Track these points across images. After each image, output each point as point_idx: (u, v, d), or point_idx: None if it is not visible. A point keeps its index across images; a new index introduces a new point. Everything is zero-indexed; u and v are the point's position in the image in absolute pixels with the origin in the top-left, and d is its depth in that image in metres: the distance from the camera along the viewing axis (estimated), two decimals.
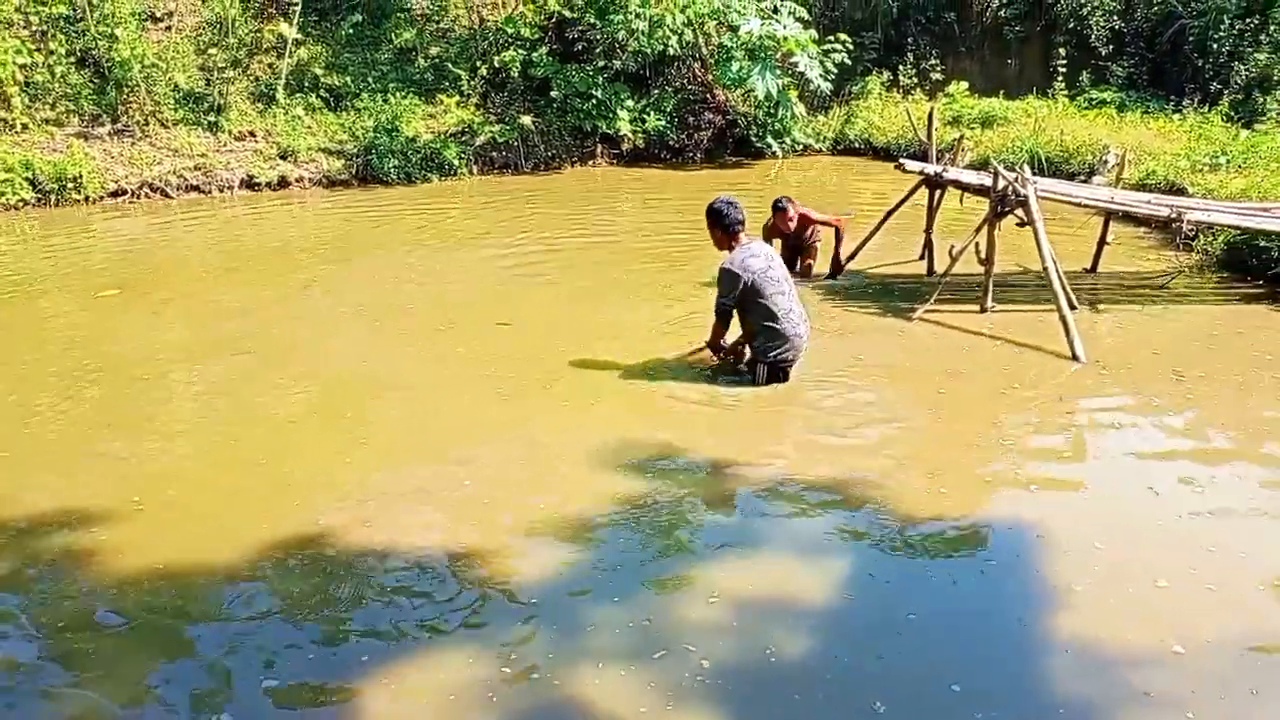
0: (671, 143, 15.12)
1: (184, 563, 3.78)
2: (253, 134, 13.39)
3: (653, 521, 4.12)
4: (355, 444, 4.91)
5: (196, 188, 12.60)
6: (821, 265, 8.17)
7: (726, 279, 5.53)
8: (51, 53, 12.63)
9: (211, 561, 3.79)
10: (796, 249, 8.12)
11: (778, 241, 7.83)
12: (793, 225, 7.84)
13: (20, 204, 11.49)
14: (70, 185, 11.74)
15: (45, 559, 3.86)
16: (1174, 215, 7.09)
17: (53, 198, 11.70)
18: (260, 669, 3.19)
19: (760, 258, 5.61)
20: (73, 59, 12.96)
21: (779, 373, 5.61)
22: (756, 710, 2.96)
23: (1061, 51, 15.30)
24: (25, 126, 12.23)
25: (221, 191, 12.66)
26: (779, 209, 7.87)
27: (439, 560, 3.83)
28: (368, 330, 6.85)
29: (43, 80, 12.56)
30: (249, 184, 12.85)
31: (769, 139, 14.75)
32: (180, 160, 12.66)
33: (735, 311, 5.62)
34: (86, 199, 11.85)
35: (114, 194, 12.14)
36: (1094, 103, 14.45)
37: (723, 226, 5.67)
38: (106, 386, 5.77)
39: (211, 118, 13.22)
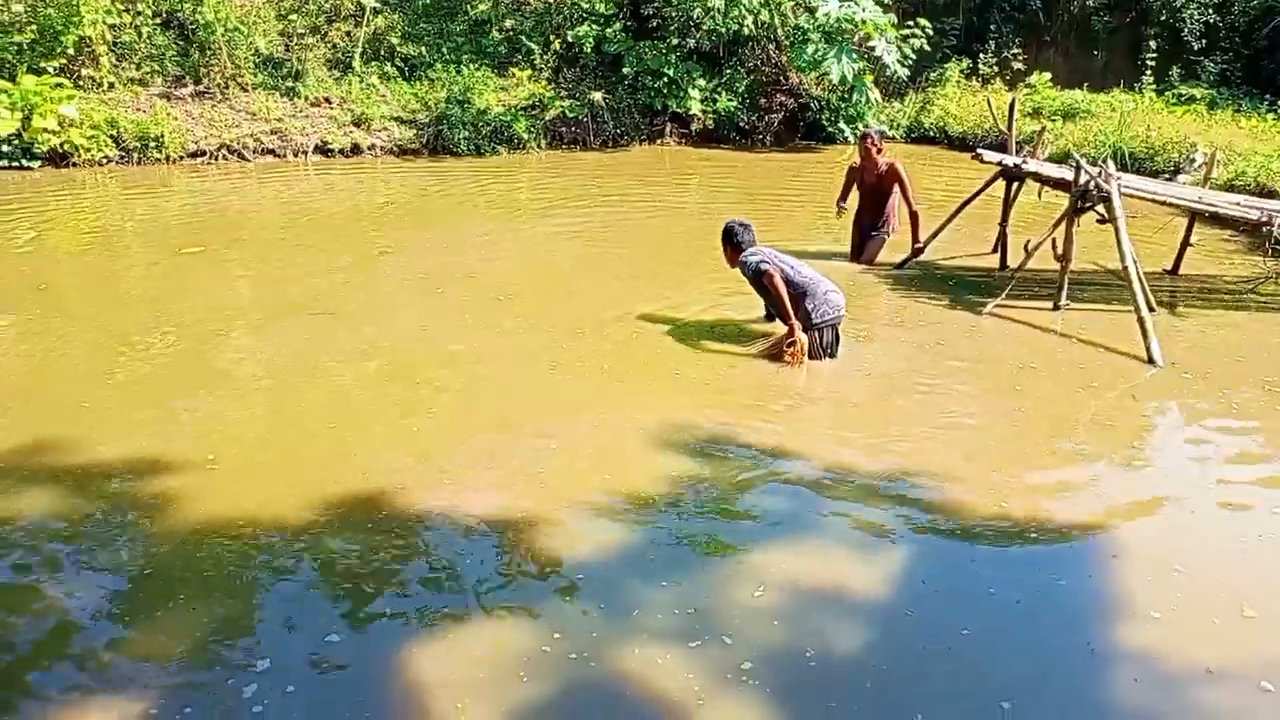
0: (742, 124, 14.98)
1: (251, 520, 3.86)
2: (328, 100, 13.58)
3: (706, 507, 4.09)
4: (419, 412, 4.97)
5: (272, 151, 12.84)
6: (888, 255, 8.04)
7: (749, 265, 5.92)
8: (139, 14, 12.94)
9: (276, 520, 3.86)
10: (873, 200, 8.01)
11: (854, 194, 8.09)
12: (877, 159, 7.85)
13: (104, 160, 11.83)
14: (152, 144, 12.05)
15: (120, 506, 3.98)
16: (1264, 219, 6.84)
17: (134, 156, 12.01)
18: (315, 626, 3.26)
19: (766, 249, 6.02)
20: (159, 20, 13.27)
21: (831, 338, 5.76)
22: (790, 714, 2.88)
23: (1152, 45, 14.80)
24: (112, 85, 12.56)
25: (296, 156, 12.88)
26: (866, 138, 7.93)
27: (492, 532, 3.86)
28: (434, 298, 6.92)
29: (130, 40, 12.88)
30: (322, 150, 13.06)
31: (841, 124, 14.53)
32: (257, 124, 12.90)
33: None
34: (166, 158, 12.15)
35: (193, 154, 12.42)
36: (1183, 99, 13.96)
37: (734, 244, 6.11)
38: (184, 342, 5.91)
39: (289, 83, 13.44)
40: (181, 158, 12.31)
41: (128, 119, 12.12)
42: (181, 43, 13.30)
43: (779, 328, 5.95)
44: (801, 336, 5.65)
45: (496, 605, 3.39)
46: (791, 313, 5.66)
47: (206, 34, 12.99)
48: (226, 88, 13.11)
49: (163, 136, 12.08)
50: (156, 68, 13.00)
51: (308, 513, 3.92)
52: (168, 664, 3.05)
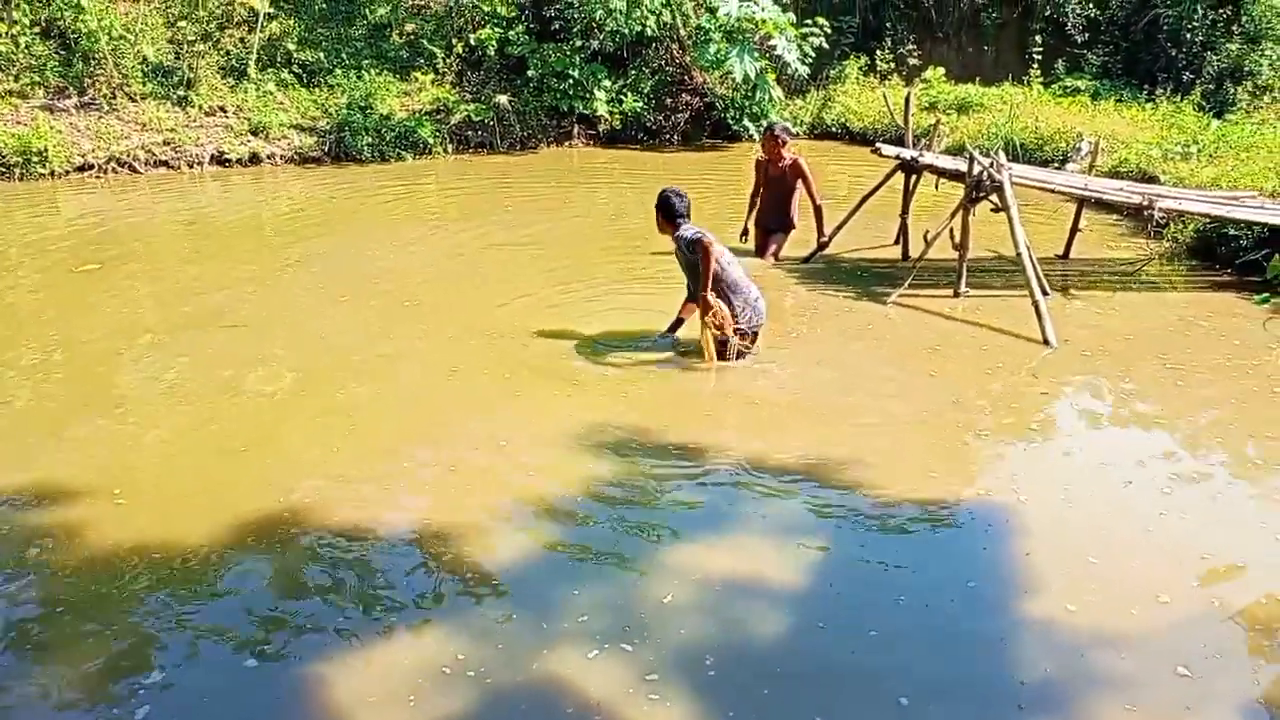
0: (648, 124, 15.06)
1: (161, 549, 3.73)
2: (223, 109, 13.17)
3: (621, 509, 4.10)
4: (332, 427, 4.87)
5: (165, 163, 12.39)
6: (793, 250, 8.18)
7: (684, 236, 5.73)
8: (15, 22, 12.34)
9: (188, 548, 3.74)
10: (777, 196, 8.03)
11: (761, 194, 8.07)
12: (781, 152, 7.85)
13: None
14: (35, 159, 11.50)
15: (17, 541, 3.80)
16: (1146, 203, 7.19)
17: (16, 171, 11.45)
18: (229, 650, 3.19)
19: (710, 233, 5.77)
20: (38, 29, 12.67)
21: (749, 342, 5.75)
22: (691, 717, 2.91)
23: (1038, 39, 15.39)
24: None
25: (191, 167, 12.46)
26: (770, 132, 7.93)
27: (406, 547, 3.82)
28: (342, 308, 6.79)
29: (6, 51, 12.27)
30: (219, 160, 12.65)
31: (746, 122, 14.71)
32: (148, 135, 12.43)
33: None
34: (52, 173, 11.61)
35: (80, 168, 11.90)
36: (1068, 91, 14.56)
37: (669, 213, 5.89)
38: (81, 365, 5.68)
39: (181, 92, 12.99)
40: (68, 172, 11.78)
41: (7, 133, 11.54)
42: (63, 52, 12.73)
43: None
44: (720, 305, 5.61)
45: (407, 623, 3.35)
46: (710, 285, 5.59)
47: (90, 43, 12.45)
48: (114, 98, 12.59)
49: (46, 150, 11.54)
50: (37, 79, 12.41)
51: (219, 539, 3.81)
52: (70, 702, 2.93)
